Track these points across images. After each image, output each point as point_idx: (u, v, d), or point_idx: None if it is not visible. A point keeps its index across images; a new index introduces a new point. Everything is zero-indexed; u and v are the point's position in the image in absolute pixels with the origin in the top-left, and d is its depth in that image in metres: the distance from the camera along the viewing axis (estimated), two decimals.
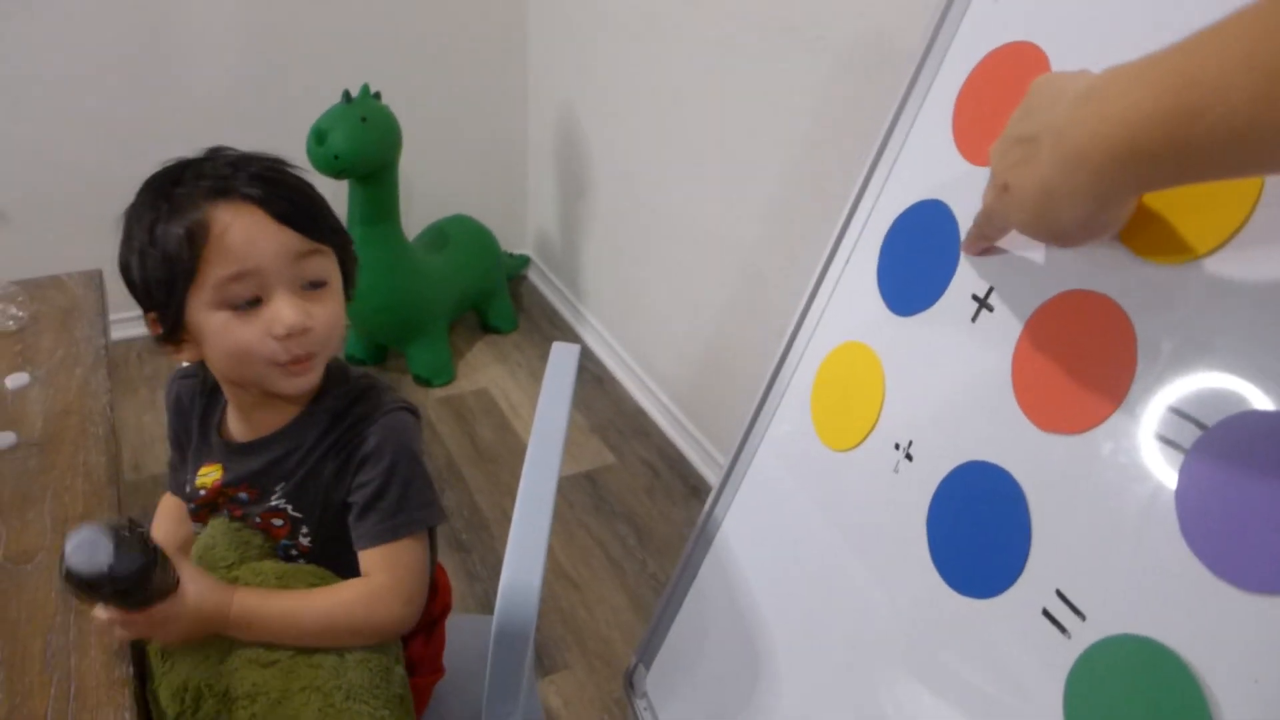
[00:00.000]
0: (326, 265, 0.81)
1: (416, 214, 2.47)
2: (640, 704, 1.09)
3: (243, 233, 0.74)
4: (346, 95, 1.99)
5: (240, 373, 0.80)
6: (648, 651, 1.11)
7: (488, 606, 1.72)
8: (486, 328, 2.62)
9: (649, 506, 2.02)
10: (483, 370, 2.48)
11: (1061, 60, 0.71)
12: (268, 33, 2.27)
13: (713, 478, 1.99)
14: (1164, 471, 0.58)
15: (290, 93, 2.32)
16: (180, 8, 2.16)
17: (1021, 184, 0.59)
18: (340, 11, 2.31)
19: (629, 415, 2.32)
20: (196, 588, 0.75)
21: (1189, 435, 0.57)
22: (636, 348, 2.36)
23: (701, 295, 1.99)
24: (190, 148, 0.82)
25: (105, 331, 1.27)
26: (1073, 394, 0.65)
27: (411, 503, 0.83)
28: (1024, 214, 0.60)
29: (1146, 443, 0.59)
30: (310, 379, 0.82)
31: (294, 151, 2.06)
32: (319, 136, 1.96)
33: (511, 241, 2.82)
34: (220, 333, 0.77)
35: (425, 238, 2.40)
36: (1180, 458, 0.57)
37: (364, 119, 1.97)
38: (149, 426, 2.17)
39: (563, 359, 0.99)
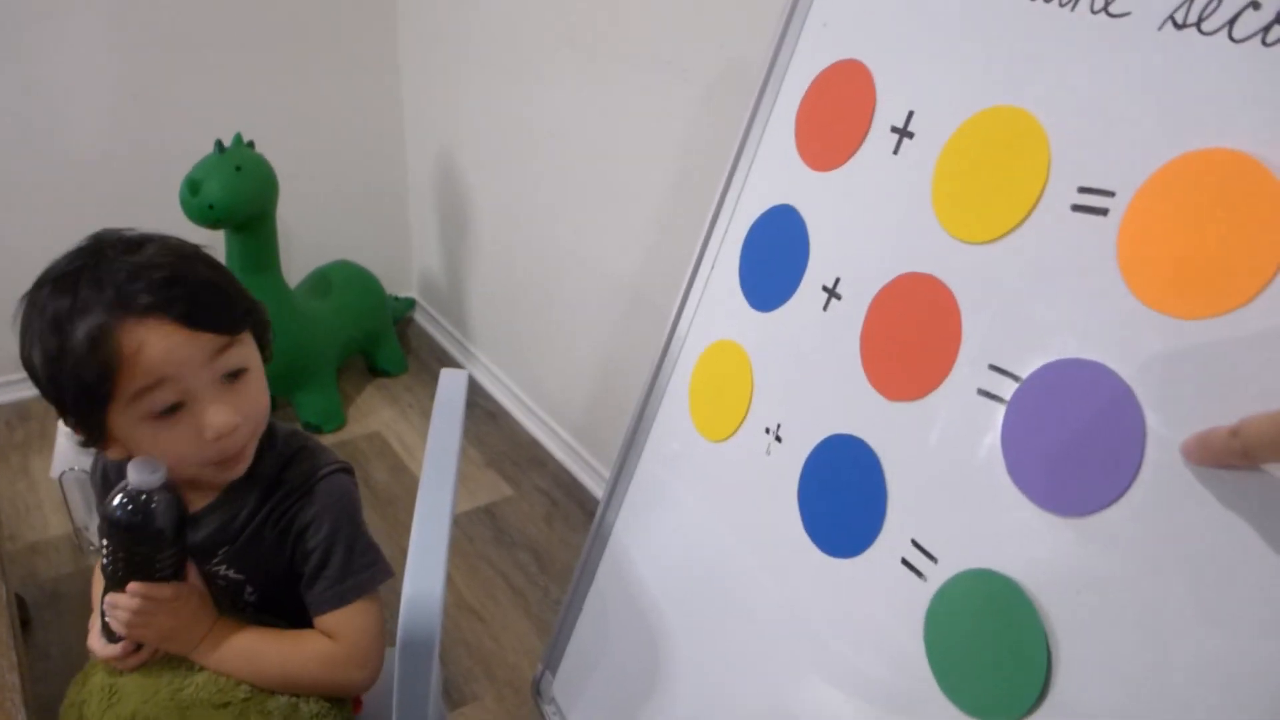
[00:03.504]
0: (244, 351, 0.77)
1: (298, 261, 2.45)
2: (549, 709, 1.12)
3: (157, 350, 0.70)
4: (219, 145, 1.98)
5: (174, 473, 0.78)
6: (552, 658, 1.14)
7: (393, 643, 1.71)
8: (375, 371, 2.61)
9: (549, 534, 2.05)
10: (374, 414, 2.46)
11: (883, 74, 0.80)
12: (138, 84, 2.24)
13: None
14: (991, 422, 0.66)
15: (162, 144, 2.29)
16: (50, 61, 2.11)
17: None
18: (210, 62, 2.30)
19: (524, 447, 2.34)
20: (199, 587, 0.82)
21: (1008, 388, 0.65)
22: (527, 381, 2.39)
23: (588, 323, 2.05)
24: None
25: None
26: (912, 365, 0.72)
27: (356, 566, 0.84)
28: None
29: (974, 399, 0.67)
30: (244, 465, 0.81)
31: (168, 203, 2.02)
32: (193, 187, 1.93)
33: (396, 285, 2.83)
34: (149, 444, 0.74)
35: (308, 284, 2.38)
36: (1002, 409, 0.65)
37: (239, 168, 1.96)
38: (22, 495, 2.09)
39: (451, 384, 1.02)
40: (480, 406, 2.49)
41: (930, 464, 0.70)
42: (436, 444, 0.92)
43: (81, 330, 0.69)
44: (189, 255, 0.77)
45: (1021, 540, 0.63)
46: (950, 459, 0.68)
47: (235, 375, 0.76)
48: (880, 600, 0.73)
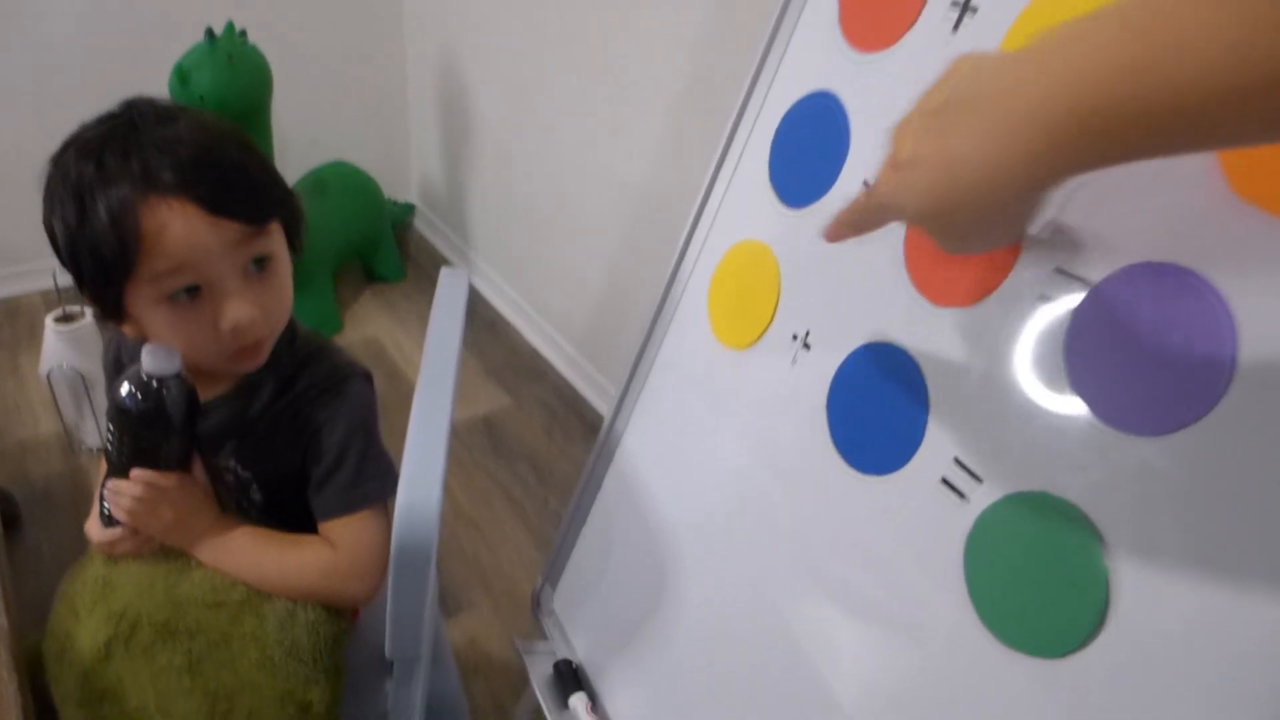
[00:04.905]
0: (270, 242, 0.75)
1: (292, 161, 2.37)
2: (548, 622, 1.08)
3: (179, 233, 0.68)
4: (210, 33, 1.87)
5: (188, 360, 0.75)
6: (553, 571, 1.10)
7: None
8: (373, 277, 2.55)
9: (548, 445, 2.01)
10: (370, 320, 2.41)
11: None
12: None
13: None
14: (1054, 330, 0.59)
15: (149, 30, 2.19)
16: None
17: (926, 158, 0.48)
18: None
19: (524, 357, 2.29)
20: (203, 480, 0.81)
21: (1076, 294, 0.58)
22: (529, 290, 2.33)
23: (594, 233, 1.97)
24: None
25: None
26: (964, 267, 0.66)
27: (366, 474, 0.82)
28: (919, 198, 0.50)
29: (1035, 306, 0.61)
30: (261, 359, 0.79)
31: (155, 93, 1.93)
32: (182, 77, 1.85)
33: (395, 189, 2.74)
34: (164, 326, 0.72)
35: (303, 185, 2.30)
36: (1068, 317, 0.59)
37: (230, 58, 1.87)
38: (11, 393, 2.04)
39: (451, 283, 0.96)
40: (480, 316, 2.43)
41: (980, 376, 0.64)
42: (435, 345, 0.87)
43: (103, 202, 0.67)
44: (222, 135, 0.73)
45: (1084, 461, 0.57)
46: (1004, 370, 0.62)
47: (260, 266, 0.74)
48: (915, 522, 0.67)
